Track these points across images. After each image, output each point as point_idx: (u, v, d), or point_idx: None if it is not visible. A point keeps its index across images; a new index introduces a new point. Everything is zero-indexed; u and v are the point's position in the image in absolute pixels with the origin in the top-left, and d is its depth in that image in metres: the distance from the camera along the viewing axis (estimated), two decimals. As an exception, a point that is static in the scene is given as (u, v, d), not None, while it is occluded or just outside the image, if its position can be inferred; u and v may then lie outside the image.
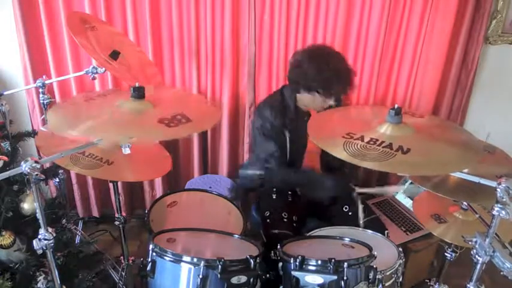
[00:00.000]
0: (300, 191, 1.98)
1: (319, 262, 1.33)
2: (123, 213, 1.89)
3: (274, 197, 1.97)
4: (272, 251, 1.49)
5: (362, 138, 1.23)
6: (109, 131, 1.15)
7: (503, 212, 1.10)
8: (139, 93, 1.27)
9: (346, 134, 1.26)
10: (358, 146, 1.20)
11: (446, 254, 1.79)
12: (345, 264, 1.30)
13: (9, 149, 1.69)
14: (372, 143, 1.21)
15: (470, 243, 1.23)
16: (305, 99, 1.85)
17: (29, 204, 1.54)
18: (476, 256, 1.20)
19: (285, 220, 1.83)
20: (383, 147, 1.19)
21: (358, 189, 1.82)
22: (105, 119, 1.18)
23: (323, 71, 1.72)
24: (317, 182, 1.87)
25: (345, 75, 1.76)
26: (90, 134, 1.13)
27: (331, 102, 1.80)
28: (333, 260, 1.30)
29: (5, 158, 1.56)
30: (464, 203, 1.62)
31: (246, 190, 2.13)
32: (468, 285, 1.27)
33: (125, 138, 1.26)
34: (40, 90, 1.99)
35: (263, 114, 1.88)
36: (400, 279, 1.54)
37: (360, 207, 1.84)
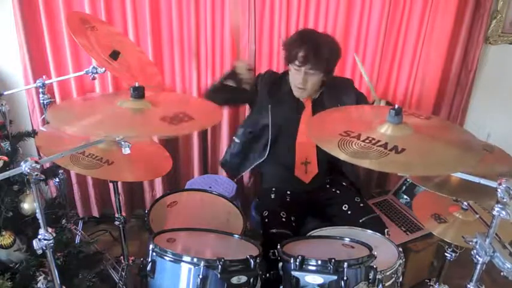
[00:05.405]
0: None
1: (319, 262, 1.33)
2: (123, 213, 1.90)
3: (272, 197, 1.97)
4: (271, 251, 1.49)
5: (358, 137, 1.24)
6: (109, 128, 1.14)
7: (504, 212, 1.10)
8: (139, 93, 1.27)
9: (343, 131, 1.26)
10: (353, 144, 1.21)
11: (446, 254, 1.79)
12: (345, 264, 1.29)
13: (9, 149, 1.69)
14: (367, 141, 1.21)
15: (470, 243, 1.23)
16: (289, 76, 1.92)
17: (29, 204, 1.54)
18: (477, 256, 1.20)
19: (284, 220, 1.82)
20: (378, 146, 1.19)
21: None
22: (105, 116, 1.16)
23: (291, 38, 1.84)
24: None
25: (307, 37, 1.82)
26: (89, 131, 1.12)
27: (298, 79, 1.83)
28: (333, 260, 1.30)
29: (5, 158, 1.56)
30: (465, 203, 1.62)
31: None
32: (468, 286, 1.27)
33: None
34: (40, 90, 1.98)
35: (267, 72, 2.04)
36: (400, 279, 1.54)
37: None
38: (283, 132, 1.95)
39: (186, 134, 2.45)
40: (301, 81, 1.83)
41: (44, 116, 2.12)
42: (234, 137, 2.13)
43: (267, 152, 1.98)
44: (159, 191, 2.63)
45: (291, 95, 1.94)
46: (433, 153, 1.23)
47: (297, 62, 1.79)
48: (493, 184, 1.10)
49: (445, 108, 2.53)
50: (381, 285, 1.42)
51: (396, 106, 1.26)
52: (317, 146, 1.91)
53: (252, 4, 2.21)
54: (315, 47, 1.77)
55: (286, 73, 1.96)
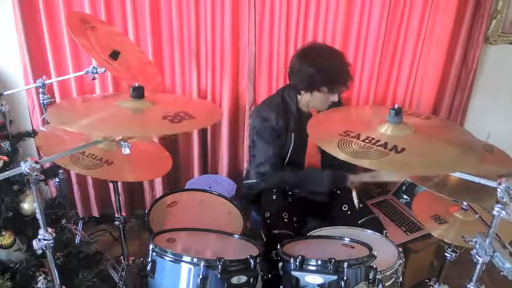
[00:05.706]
0: (300, 191, 1.96)
1: (319, 262, 1.33)
2: (123, 213, 1.90)
3: (274, 198, 1.97)
4: (273, 252, 1.49)
5: (358, 137, 1.24)
6: (110, 127, 1.14)
7: (504, 212, 1.09)
8: (138, 93, 1.26)
9: (343, 131, 1.26)
10: (353, 144, 1.21)
11: (446, 254, 1.79)
12: (345, 264, 1.30)
13: (9, 149, 1.69)
14: (367, 141, 1.21)
15: (470, 243, 1.23)
16: (307, 99, 1.84)
17: (29, 204, 1.54)
18: (477, 256, 1.20)
19: (286, 220, 1.82)
20: (377, 146, 1.19)
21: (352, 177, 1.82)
22: (105, 115, 1.16)
23: (324, 68, 1.73)
24: (315, 177, 1.87)
25: (345, 68, 1.78)
26: (90, 130, 1.12)
27: (335, 98, 1.80)
28: (333, 260, 1.30)
29: (5, 158, 1.56)
30: (464, 203, 1.62)
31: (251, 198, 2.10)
32: (468, 286, 1.27)
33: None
34: (40, 90, 1.98)
35: (262, 117, 1.87)
36: (400, 279, 1.55)
37: (354, 193, 1.85)
38: (298, 145, 1.94)
39: (188, 132, 2.44)
40: (337, 99, 1.83)
41: (44, 116, 2.12)
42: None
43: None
44: (159, 191, 2.63)
45: (298, 111, 1.90)
46: (433, 153, 1.23)
47: (338, 92, 1.79)
48: (492, 184, 1.10)
49: (445, 108, 2.53)
50: (380, 285, 1.42)
51: (396, 106, 1.26)
52: (321, 153, 1.93)
53: (252, 4, 2.21)
54: (350, 75, 1.79)
55: (282, 96, 1.91)
